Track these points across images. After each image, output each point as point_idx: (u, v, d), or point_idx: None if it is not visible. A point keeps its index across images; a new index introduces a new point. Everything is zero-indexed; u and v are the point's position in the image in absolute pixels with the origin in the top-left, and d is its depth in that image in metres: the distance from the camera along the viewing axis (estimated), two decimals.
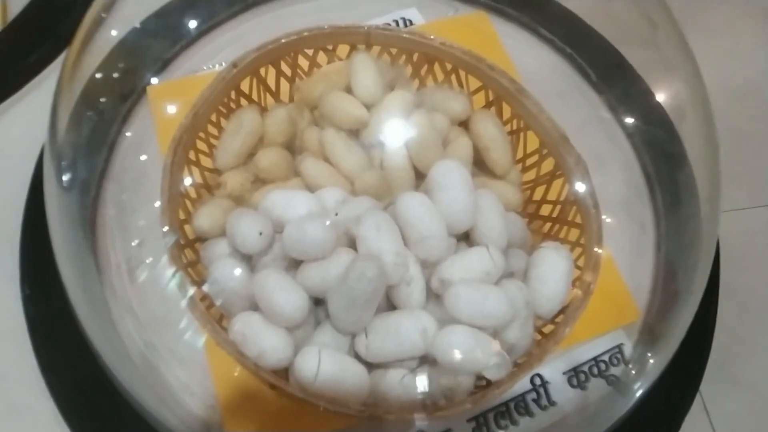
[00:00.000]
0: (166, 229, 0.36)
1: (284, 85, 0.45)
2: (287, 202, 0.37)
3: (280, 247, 0.37)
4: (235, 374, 0.40)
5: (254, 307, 0.36)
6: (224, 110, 0.42)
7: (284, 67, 0.44)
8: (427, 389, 0.34)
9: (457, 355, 0.33)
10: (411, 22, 0.56)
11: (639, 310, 0.45)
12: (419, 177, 0.41)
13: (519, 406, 0.42)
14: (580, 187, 0.39)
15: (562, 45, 0.57)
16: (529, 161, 0.44)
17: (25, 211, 0.45)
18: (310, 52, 0.44)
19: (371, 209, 0.37)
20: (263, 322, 0.35)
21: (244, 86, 0.43)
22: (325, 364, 0.33)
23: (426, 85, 0.46)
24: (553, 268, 0.37)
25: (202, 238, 0.39)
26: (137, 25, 0.49)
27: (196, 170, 0.41)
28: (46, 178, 0.39)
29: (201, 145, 0.41)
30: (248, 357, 0.34)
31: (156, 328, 0.42)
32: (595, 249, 0.37)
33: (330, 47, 0.44)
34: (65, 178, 0.39)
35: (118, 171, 0.47)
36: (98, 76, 0.44)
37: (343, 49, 0.44)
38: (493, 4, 0.57)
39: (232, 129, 0.41)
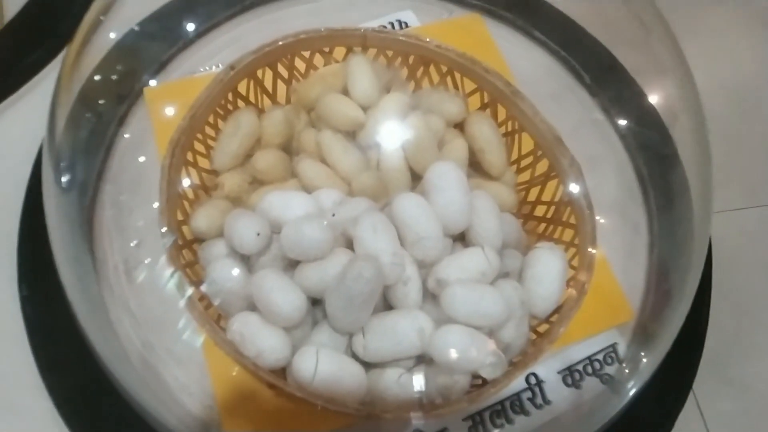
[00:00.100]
0: (164, 229, 0.36)
1: (281, 87, 0.45)
2: (285, 203, 0.38)
3: (277, 247, 0.38)
4: (233, 374, 0.40)
5: (252, 307, 0.37)
6: (222, 112, 0.42)
7: (281, 69, 0.44)
8: (423, 388, 0.35)
9: (454, 354, 0.33)
10: (406, 25, 0.56)
11: (632, 310, 0.46)
12: (415, 178, 0.41)
13: (514, 404, 0.42)
14: (574, 188, 0.40)
15: (556, 47, 0.57)
16: (524, 162, 0.45)
17: (22, 211, 0.45)
18: (306, 54, 0.44)
19: (368, 210, 0.37)
20: (261, 322, 0.35)
21: (242, 88, 0.43)
22: (323, 364, 0.33)
23: (422, 88, 0.46)
24: (547, 268, 0.38)
25: (200, 239, 0.40)
26: (135, 26, 0.49)
27: (193, 171, 0.41)
28: (45, 179, 0.39)
29: (198, 147, 0.41)
30: (247, 357, 0.34)
31: (154, 329, 0.42)
32: (589, 249, 0.38)
33: (327, 49, 0.44)
34: (64, 179, 0.40)
35: (116, 172, 0.47)
36: (96, 77, 0.45)
37: (339, 52, 0.45)
38: (488, 6, 0.58)
39: (230, 130, 0.42)
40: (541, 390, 0.43)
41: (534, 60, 0.58)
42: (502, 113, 0.44)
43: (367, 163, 0.42)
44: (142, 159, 0.48)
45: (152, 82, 0.50)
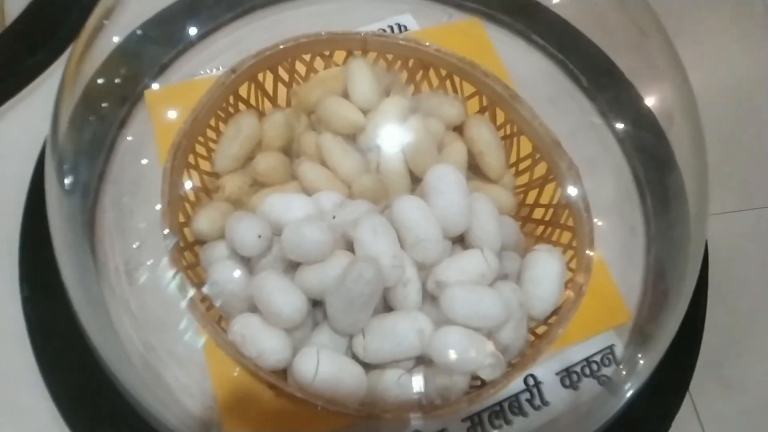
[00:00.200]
0: (166, 231, 0.36)
1: (281, 90, 0.46)
2: (285, 206, 0.38)
3: (278, 249, 0.38)
4: (234, 375, 0.40)
5: (253, 308, 0.37)
6: (223, 115, 0.42)
7: (282, 73, 0.44)
8: (423, 389, 0.35)
9: (453, 355, 0.34)
10: (406, 28, 0.57)
11: (629, 311, 0.46)
12: (415, 181, 0.42)
13: (513, 405, 0.42)
14: (572, 191, 0.40)
15: (554, 51, 0.58)
16: (522, 165, 0.45)
17: (24, 212, 0.45)
18: (307, 57, 0.44)
19: (368, 212, 0.37)
20: (262, 323, 0.36)
21: (243, 91, 0.43)
22: (324, 365, 0.33)
23: (421, 91, 0.47)
24: (546, 270, 0.38)
25: (201, 241, 0.40)
26: (136, 29, 0.49)
27: (195, 174, 0.41)
28: (48, 181, 0.39)
29: (200, 149, 0.41)
30: (248, 358, 0.35)
31: (155, 330, 0.42)
32: (587, 252, 0.38)
33: (327, 53, 0.44)
34: (67, 181, 0.40)
35: (117, 174, 0.47)
36: (97, 80, 0.45)
37: (339, 55, 0.45)
38: (487, 10, 0.58)
39: (231, 133, 0.42)
40: (539, 391, 0.43)
41: (532, 63, 0.58)
42: (500, 116, 0.45)
43: (366, 166, 0.42)
44: (142, 161, 0.48)
45: (153, 85, 0.50)
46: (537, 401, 0.43)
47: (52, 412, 0.40)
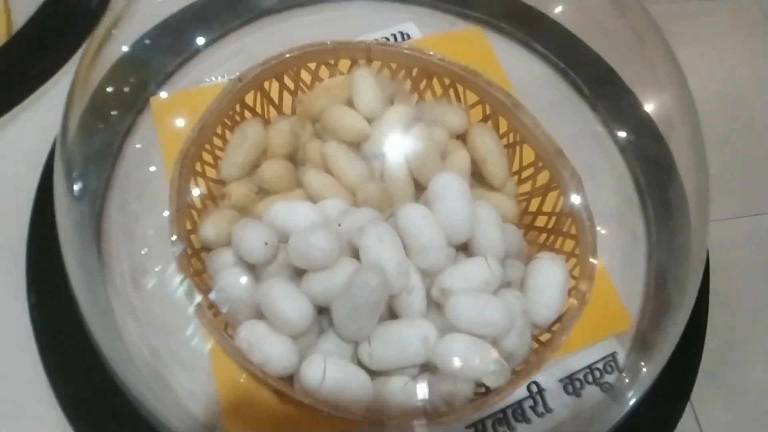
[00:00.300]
0: (174, 238, 0.37)
1: (287, 98, 0.46)
2: (291, 213, 0.38)
3: (284, 256, 0.38)
4: (238, 380, 0.40)
5: (259, 315, 0.37)
6: (229, 123, 0.43)
7: (287, 81, 0.45)
8: (428, 396, 0.35)
9: (458, 362, 0.34)
10: (408, 36, 0.57)
11: (631, 318, 0.46)
12: (418, 188, 0.42)
13: (516, 412, 0.43)
14: (575, 199, 0.40)
15: (556, 60, 0.58)
16: (525, 174, 0.45)
17: (30, 219, 0.46)
18: (312, 66, 0.45)
19: (373, 220, 0.38)
20: (268, 330, 0.36)
21: (249, 99, 0.44)
22: (331, 372, 0.34)
23: (424, 100, 0.47)
24: (549, 278, 0.38)
25: (207, 248, 0.40)
26: (141, 37, 0.50)
27: (201, 181, 0.41)
28: (57, 188, 0.40)
29: (206, 157, 0.42)
30: (255, 364, 0.35)
31: (161, 335, 0.42)
32: (590, 260, 0.38)
33: (332, 62, 0.45)
34: (76, 187, 0.40)
35: (123, 180, 0.48)
36: (104, 87, 0.45)
37: (344, 64, 0.45)
38: (489, 19, 0.59)
39: (237, 141, 0.42)
40: (543, 398, 0.43)
41: (533, 72, 0.58)
42: (503, 125, 0.45)
43: (371, 174, 0.42)
44: (148, 167, 0.48)
45: (159, 92, 0.51)
46: (540, 408, 0.43)
47: (59, 418, 0.41)
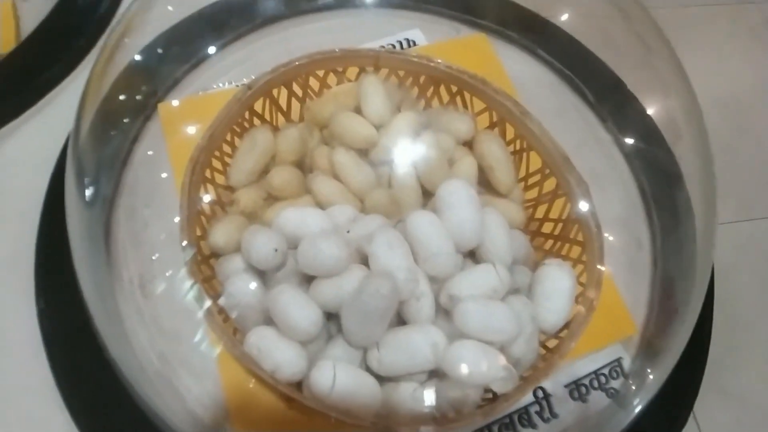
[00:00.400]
0: (185, 243, 0.37)
1: (295, 104, 0.46)
2: (301, 220, 0.39)
3: (293, 263, 0.38)
4: (246, 386, 0.40)
5: (267, 321, 0.37)
6: (238, 129, 0.43)
7: (295, 88, 0.45)
8: (437, 402, 0.35)
9: (467, 368, 0.34)
10: (414, 43, 0.57)
11: (636, 324, 0.47)
12: (426, 195, 0.42)
13: (522, 418, 0.43)
14: (583, 206, 0.41)
15: (561, 67, 0.58)
16: (532, 180, 0.46)
17: (39, 224, 0.46)
18: (320, 73, 0.45)
19: (382, 227, 0.38)
20: (278, 336, 0.36)
21: (257, 106, 0.44)
22: (341, 378, 0.34)
23: (431, 107, 0.47)
24: (556, 284, 0.39)
25: (216, 254, 0.40)
26: (149, 44, 0.50)
27: (210, 187, 0.42)
28: (68, 193, 0.40)
29: (215, 163, 0.42)
30: (264, 370, 0.35)
31: (169, 341, 0.42)
32: (598, 266, 0.39)
33: (340, 69, 0.45)
34: (88, 193, 0.40)
35: (131, 186, 0.48)
36: (113, 93, 0.45)
37: (352, 71, 0.46)
38: (494, 26, 0.59)
39: (246, 148, 0.42)
40: (549, 403, 0.43)
41: (538, 78, 0.59)
42: (510, 132, 0.45)
43: (379, 181, 0.43)
44: (156, 173, 0.48)
45: (167, 99, 0.51)
46: (546, 413, 0.43)
47: (68, 423, 0.41)
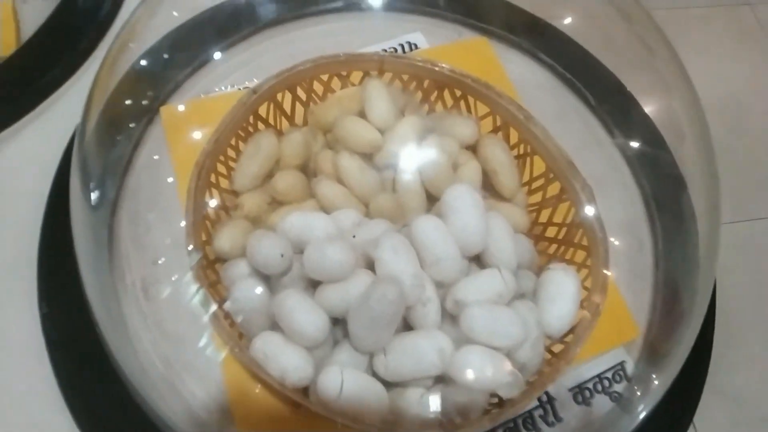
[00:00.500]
0: (190, 248, 0.37)
1: (299, 109, 0.46)
2: (307, 224, 0.39)
3: (298, 267, 0.38)
4: (251, 391, 0.40)
5: (273, 326, 0.37)
6: (242, 134, 0.43)
7: (300, 92, 0.45)
8: (444, 408, 0.36)
9: (474, 374, 0.34)
10: (416, 46, 0.57)
11: (638, 327, 0.47)
12: (430, 199, 0.42)
13: (527, 422, 0.43)
14: (588, 210, 0.41)
15: (562, 70, 0.58)
16: (535, 184, 0.46)
17: (41, 228, 0.46)
18: (324, 77, 0.45)
19: (388, 232, 0.38)
20: (284, 341, 0.36)
21: (262, 110, 0.44)
22: (348, 383, 0.34)
23: (435, 111, 0.47)
24: (561, 289, 0.39)
25: (221, 259, 0.40)
26: (152, 47, 0.50)
27: (215, 192, 0.42)
28: (73, 197, 0.40)
29: (219, 167, 0.42)
30: (271, 375, 0.35)
31: (172, 345, 0.42)
32: (603, 271, 0.39)
33: (344, 73, 0.45)
34: (93, 196, 0.40)
35: (134, 190, 0.48)
36: (116, 97, 0.45)
37: (355, 75, 0.46)
38: (496, 29, 0.59)
39: (251, 152, 0.42)
40: (553, 407, 0.44)
41: (539, 81, 0.59)
42: (514, 136, 0.45)
43: (383, 185, 0.42)
44: (158, 177, 0.48)
45: (169, 102, 0.51)
46: (550, 417, 0.43)
47: (71, 428, 0.40)
